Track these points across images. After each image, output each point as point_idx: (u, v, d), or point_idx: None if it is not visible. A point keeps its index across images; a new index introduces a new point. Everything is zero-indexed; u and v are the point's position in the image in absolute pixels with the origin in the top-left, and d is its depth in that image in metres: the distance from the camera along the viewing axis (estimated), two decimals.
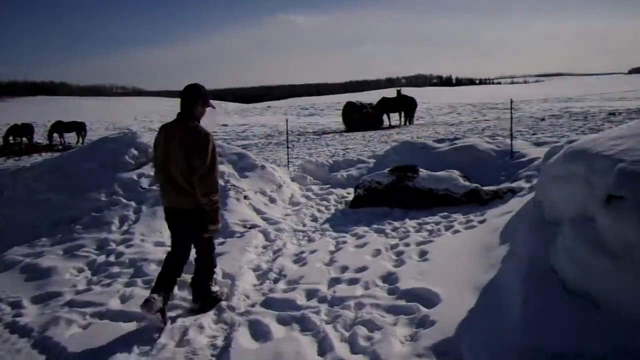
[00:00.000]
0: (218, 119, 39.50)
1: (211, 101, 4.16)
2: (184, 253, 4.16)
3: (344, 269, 4.83)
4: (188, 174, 3.82)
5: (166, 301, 3.94)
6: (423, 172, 7.09)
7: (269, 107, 55.77)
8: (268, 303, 4.20)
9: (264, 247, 5.79)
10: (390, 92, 37.97)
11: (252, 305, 4.22)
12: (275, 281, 4.75)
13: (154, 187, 7.01)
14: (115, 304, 4.40)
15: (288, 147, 10.68)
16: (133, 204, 6.73)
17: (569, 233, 3.26)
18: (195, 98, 3.96)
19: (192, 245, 4.21)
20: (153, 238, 6.00)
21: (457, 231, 5.63)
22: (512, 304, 3.31)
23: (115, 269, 5.19)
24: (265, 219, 6.61)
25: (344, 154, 12.83)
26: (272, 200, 7.25)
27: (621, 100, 30.38)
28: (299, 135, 22.38)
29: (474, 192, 6.72)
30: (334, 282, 4.54)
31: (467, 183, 6.88)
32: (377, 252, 5.20)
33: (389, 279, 4.44)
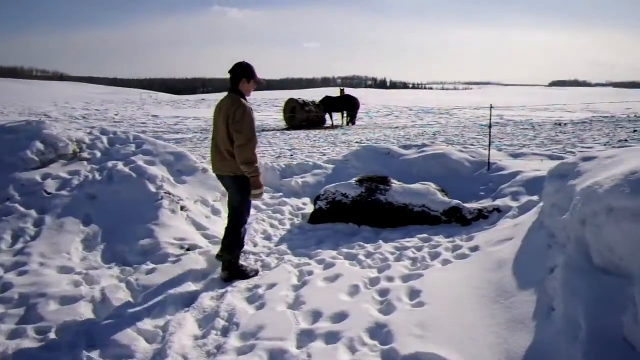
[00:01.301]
0: (149, 109, 37.10)
1: (259, 78, 4.42)
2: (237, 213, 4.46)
3: (317, 315, 3.67)
4: (229, 143, 4.20)
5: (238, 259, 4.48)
6: (396, 184, 6.07)
7: (203, 99, 53.51)
8: None
9: (207, 276, 4.52)
10: (328, 92, 37.19)
11: None
12: (225, 332, 3.52)
13: (64, 192, 5.52)
14: None
15: None
16: (33, 213, 5.20)
17: None
18: (240, 75, 4.29)
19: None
20: (57, 261, 4.55)
21: (447, 261, 4.63)
22: None
23: None
24: (207, 237, 5.32)
25: (291, 155, 11.65)
26: (216, 212, 5.95)
27: (545, 111, 31.27)
28: None
29: (455, 210, 5.78)
30: (306, 337, 3.37)
31: (446, 199, 5.93)
32: (355, 290, 4.09)
33: (380, 334, 3.34)
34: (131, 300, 3.99)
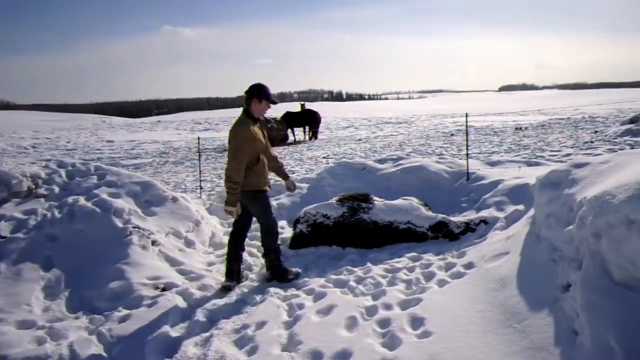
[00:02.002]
0: (103, 135, 35.94)
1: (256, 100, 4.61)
2: (236, 227, 4.75)
3: (317, 356, 3.34)
4: None
5: (239, 273, 4.75)
6: (378, 201, 5.82)
7: (159, 121, 52.36)
8: None
9: (188, 317, 4.10)
10: (286, 107, 36.91)
11: None
12: None
13: (19, 235, 5.00)
14: None
15: (200, 171, 8.90)
16: None
17: None
18: (251, 95, 4.54)
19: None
20: (16, 315, 4.06)
21: (443, 282, 4.38)
22: None
23: None
24: (183, 273, 4.91)
25: None
26: (190, 244, 5.53)
27: (500, 115, 31.99)
28: (197, 152, 20.33)
29: (441, 224, 5.57)
30: None
31: (431, 213, 5.72)
32: (353, 322, 3.78)
33: None
34: (104, 354, 3.57)
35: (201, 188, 8.35)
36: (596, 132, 13.49)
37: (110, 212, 5.30)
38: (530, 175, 6.12)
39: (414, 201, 5.91)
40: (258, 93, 4.54)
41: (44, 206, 5.42)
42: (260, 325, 3.86)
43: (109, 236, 5.04)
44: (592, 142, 11.15)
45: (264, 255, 4.83)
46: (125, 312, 4.10)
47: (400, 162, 7.37)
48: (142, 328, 3.85)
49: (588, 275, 2.97)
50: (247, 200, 4.57)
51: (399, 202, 5.85)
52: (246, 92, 4.57)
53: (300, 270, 4.85)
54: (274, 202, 6.99)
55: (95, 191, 5.66)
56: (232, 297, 4.50)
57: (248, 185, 4.49)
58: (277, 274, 4.73)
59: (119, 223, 5.20)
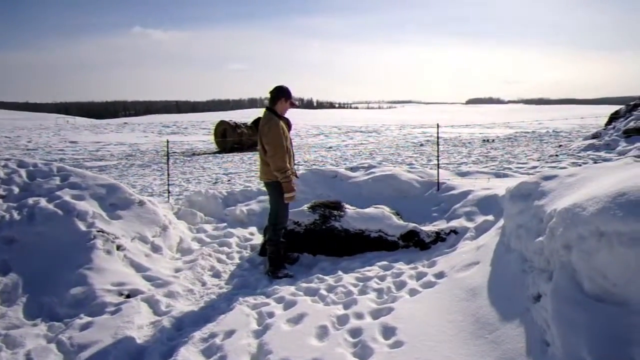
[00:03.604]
0: (66, 135, 34.98)
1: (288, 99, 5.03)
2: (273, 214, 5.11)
3: None
4: (264, 153, 4.89)
5: (285, 253, 5.28)
6: (350, 209, 5.79)
7: (125, 123, 51.41)
8: None
9: (153, 325, 3.97)
10: (257, 112, 36.75)
11: None
12: None
13: None
14: None
15: (169, 175, 8.70)
16: None
17: None
18: (279, 95, 4.94)
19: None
20: None
21: (414, 291, 4.37)
22: None
23: None
24: (149, 279, 4.75)
25: (229, 181, 11.12)
26: (156, 249, 5.37)
27: (468, 127, 32.69)
28: (165, 156, 19.98)
29: (412, 233, 5.57)
30: None
31: (402, 222, 5.73)
32: (324, 331, 3.72)
33: None
34: None
35: (169, 192, 8.17)
36: (560, 146, 13.88)
37: (73, 215, 5.11)
38: (499, 187, 6.21)
39: (386, 210, 5.90)
40: (286, 93, 4.95)
41: (1, 207, 5.18)
42: (229, 334, 3.76)
43: (72, 240, 4.85)
44: (557, 155, 11.46)
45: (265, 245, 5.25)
46: (87, 319, 3.94)
47: (372, 170, 7.38)
48: (104, 336, 3.70)
49: (558, 287, 2.99)
50: (270, 189, 5.01)
51: (370, 210, 5.84)
52: (273, 92, 4.94)
53: (293, 274, 5.01)
54: (243, 208, 6.91)
55: (58, 193, 5.45)
56: (200, 304, 4.39)
57: (272, 175, 4.86)
58: (270, 266, 5.02)
59: (82, 226, 5.02)
